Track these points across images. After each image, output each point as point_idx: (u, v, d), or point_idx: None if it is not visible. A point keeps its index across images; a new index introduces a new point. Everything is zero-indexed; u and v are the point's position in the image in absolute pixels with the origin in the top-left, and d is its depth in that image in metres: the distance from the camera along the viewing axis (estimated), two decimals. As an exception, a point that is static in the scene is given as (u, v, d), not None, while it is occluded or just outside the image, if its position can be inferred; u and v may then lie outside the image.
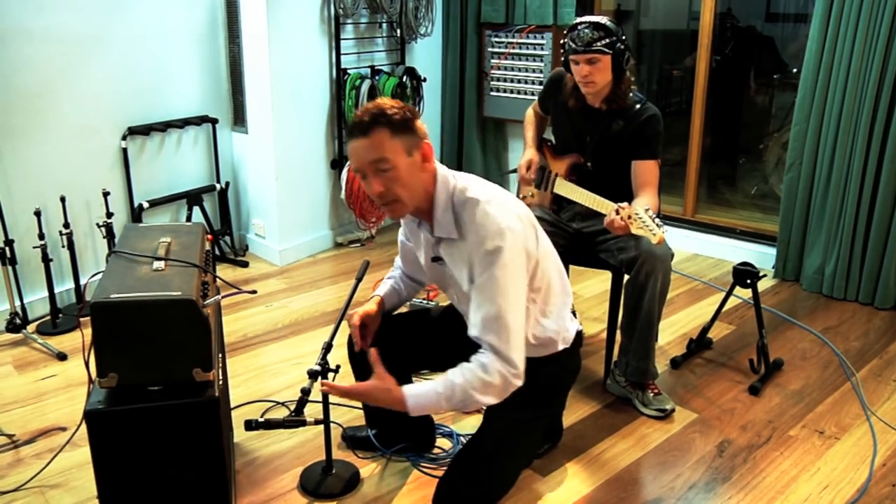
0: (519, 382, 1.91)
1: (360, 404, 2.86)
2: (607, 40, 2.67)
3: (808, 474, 2.47)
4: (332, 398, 2.36)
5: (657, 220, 2.48)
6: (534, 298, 2.07)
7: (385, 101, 1.94)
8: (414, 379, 2.45)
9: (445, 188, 1.98)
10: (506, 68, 4.94)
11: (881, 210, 3.61)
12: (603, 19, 2.70)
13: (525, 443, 2.27)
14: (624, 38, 2.71)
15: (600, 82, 2.73)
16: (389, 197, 1.93)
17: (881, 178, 3.59)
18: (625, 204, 2.55)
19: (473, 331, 1.93)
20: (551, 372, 2.22)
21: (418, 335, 2.37)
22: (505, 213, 1.92)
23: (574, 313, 2.28)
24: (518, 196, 3.14)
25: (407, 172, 1.91)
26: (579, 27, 2.70)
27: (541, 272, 2.05)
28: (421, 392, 1.92)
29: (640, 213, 2.48)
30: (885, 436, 2.67)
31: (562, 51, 2.81)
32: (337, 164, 4.57)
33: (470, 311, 1.94)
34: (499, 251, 1.86)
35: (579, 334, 2.28)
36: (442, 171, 2.00)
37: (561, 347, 2.19)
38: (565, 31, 2.78)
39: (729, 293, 3.19)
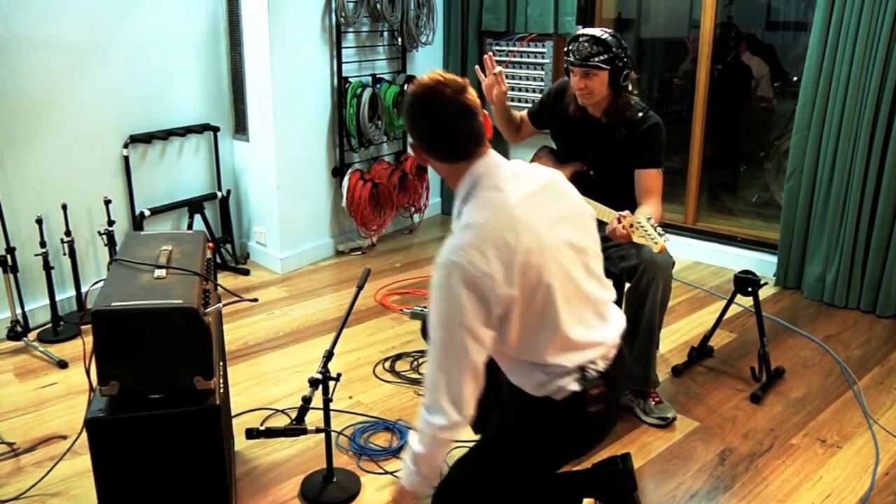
0: (449, 429, 1.68)
1: (357, 411, 2.86)
2: (605, 56, 2.67)
3: (810, 483, 2.46)
4: (332, 405, 2.36)
5: (659, 229, 2.49)
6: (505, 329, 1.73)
7: (423, 79, 1.75)
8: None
9: (464, 191, 1.76)
10: (507, 76, 4.93)
11: (882, 217, 3.61)
12: (605, 34, 2.69)
13: (481, 469, 1.90)
14: (623, 54, 2.70)
15: (595, 95, 2.74)
16: None
17: (882, 186, 3.59)
18: (626, 213, 2.56)
19: None
20: (519, 420, 1.88)
21: None
22: (468, 243, 1.64)
23: (590, 377, 1.78)
24: None
25: (419, 157, 1.84)
26: (580, 39, 2.70)
27: (517, 317, 1.69)
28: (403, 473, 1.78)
29: (642, 222, 2.49)
30: (887, 444, 2.66)
31: (565, 59, 2.82)
32: (338, 171, 4.58)
33: None
34: (434, 279, 1.67)
35: (577, 397, 1.77)
36: (475, 172, 1.74)
37: (536, 393, 1.80)
38: (568, 41, 2.79)
39: (730, 301, 3.19)
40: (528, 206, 1.73)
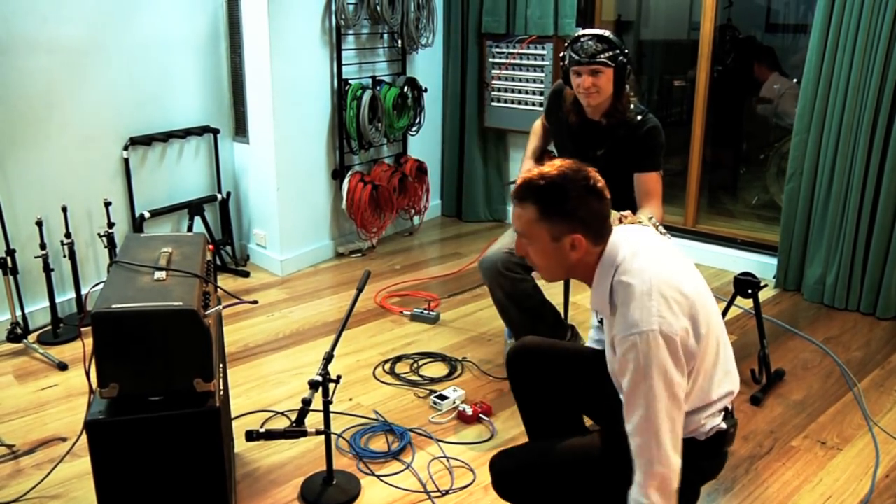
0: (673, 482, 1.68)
1: (357, 413, 2.86)
2: (610, 53, 2.68)
3: (810, 486, 2.46)
4: (332, 408, 2.35)
5: (661, 228, 2.49)
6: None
7: (560, 168, 1.76)
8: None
9: (608, 271, 1.78)
10: (507, 78, 4.95)
11: (882, 219, 3.61)
12: (606, 32, 2.72)
13: (591, 463, 1.91)
14: (626, 51, 2.72)
15: (603, 94, 2.74)
16: (529, 259, 1.86)
17: (882, 188, 3.59)
18: (627, 212, 2.56)
19: (628, 426, 1.74)
20: None
21: (577, 378, 2.15)
22: (656, 308, 1.67)
23: (729, 413, 1.91)
24: None
25: (549, 253, 1.80)
26: (582, 39, 2.71)
27: (694, 367, 1.76)
28: None
29: (644, 221, 2.49)
30: (887, 447, 2.66)
31: (561, 64, 2.81)
32: (338, 174, 4.58)
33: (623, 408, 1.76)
34: (633, 348, 1.66)
35: (720, 435, 1.87)
36: (610, 251, 1.79)
37: (685, 434, 1.80)
38: (566, 44, 2.79)
39: (730, 303, 3.18)
40: (662, 260, 1.80)
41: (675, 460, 1.68)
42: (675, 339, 1.66)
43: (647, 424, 1.66)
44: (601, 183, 1.77)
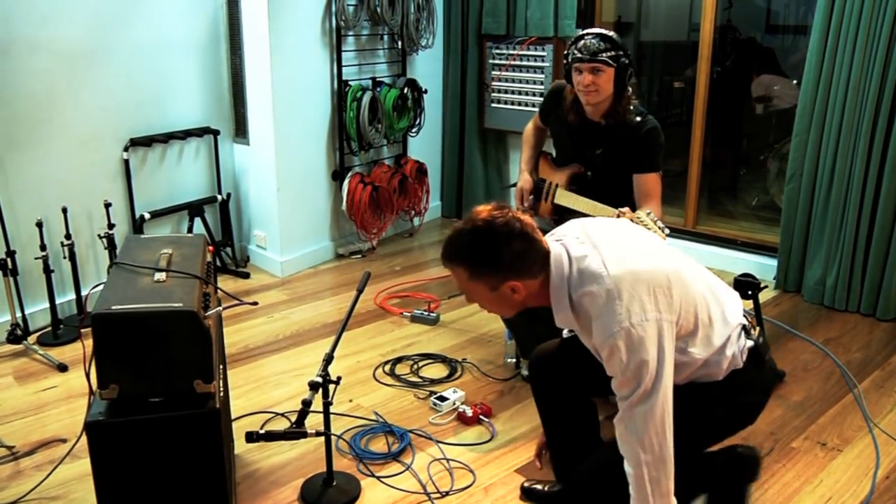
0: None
1: (357, 414, 2.86)
2: (613, 53, 2.69)
3: (810, 487, 2.46)
4: (332, 409, 2.35)
5: (659, 223, 2.51)
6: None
7: (474, 222, 1.76)
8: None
9: (561, 291, 1.78)
10: (507, 80, 4.95)
11: (882, 220, 3.61)
12: (611, 33, 2.74)
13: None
14: (629, 54, 2.74)
15: (602, 93, 2.75)
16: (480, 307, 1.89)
17: (882, 189, 3.59)
18: (626, 209, 2.58)
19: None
20: (710, 401, 1.92)
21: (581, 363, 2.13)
22: (623, 305, 1.67)
23: (747, 330, 1.93)
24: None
25: (494, 301, 1.83)
26: (586, 37, 2.73)
27: (682, 321, 1.77)
28: None
29: (642, 217, 2.51)
30: (887, 448, 2.66)
31: (565, 62, 2.82)
32: (338, 175, 4.58)
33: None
34: (616, 349, 1.67)
35: (755, 350, 1.90)
36: (555, 271, 1.78)
37: (724, 373, 1.88)
38: (570, 42, 2.80)
39: (730, 304, 3.18)
40: (609, 249, 1.78)
41: (671, 465, 1.71)
42: (650, 323, 1.66)
43: (644, 427, 1.69)
44: (519, 224, 1.75)
